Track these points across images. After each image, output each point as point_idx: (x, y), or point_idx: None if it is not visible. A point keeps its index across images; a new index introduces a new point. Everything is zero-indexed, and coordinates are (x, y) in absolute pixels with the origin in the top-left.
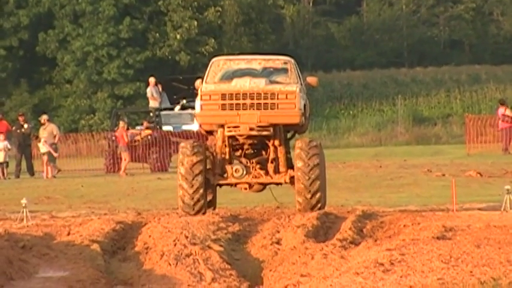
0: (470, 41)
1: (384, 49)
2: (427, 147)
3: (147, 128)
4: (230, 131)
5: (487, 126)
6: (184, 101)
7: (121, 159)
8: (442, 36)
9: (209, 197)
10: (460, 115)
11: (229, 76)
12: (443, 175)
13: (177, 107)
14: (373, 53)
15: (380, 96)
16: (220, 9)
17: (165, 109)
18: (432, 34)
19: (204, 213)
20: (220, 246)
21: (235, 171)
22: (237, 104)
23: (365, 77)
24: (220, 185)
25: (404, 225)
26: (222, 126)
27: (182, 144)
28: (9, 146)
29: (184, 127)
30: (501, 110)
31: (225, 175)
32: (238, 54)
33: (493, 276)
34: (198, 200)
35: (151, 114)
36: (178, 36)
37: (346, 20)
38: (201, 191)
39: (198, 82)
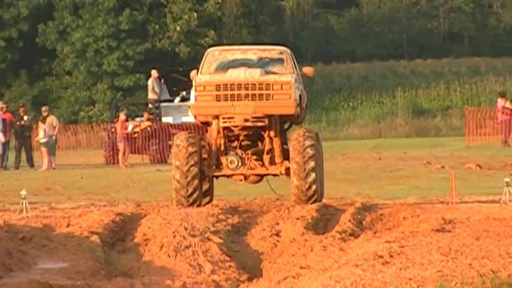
0: (470, 33)
1: (383, 41)
2: (427, 140)
3: (147, 119)
4: (225, 122)
5: (486, 118)
6: (184, 93)
7: (119, 150)
8: (441, 28)
9: (206, 189)
10: (460, 107)
11: (224, 67)
12: (443, 167)
13: (177, 99)
14: (373, 45)
15: (379, 88)
16: (220, 0)
17: (164, 101)
18: (432, 26)
19: (199, 205)
20: (220, 238)
21: (230, 162)
22: (231, 95)
23: (364, 69)
24: (216, 177)
25: (403, 218)
26: (217, 117)
27: (177, 136)
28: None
29: (184, 119)
30: (501, 102)
31: (221, 166)
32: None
33: (492, 268)
34: (193, 192)
35: (150, 105)
36: (178, 28)
37: (345, 12)
38: (196, 182)
39: (193, 73)
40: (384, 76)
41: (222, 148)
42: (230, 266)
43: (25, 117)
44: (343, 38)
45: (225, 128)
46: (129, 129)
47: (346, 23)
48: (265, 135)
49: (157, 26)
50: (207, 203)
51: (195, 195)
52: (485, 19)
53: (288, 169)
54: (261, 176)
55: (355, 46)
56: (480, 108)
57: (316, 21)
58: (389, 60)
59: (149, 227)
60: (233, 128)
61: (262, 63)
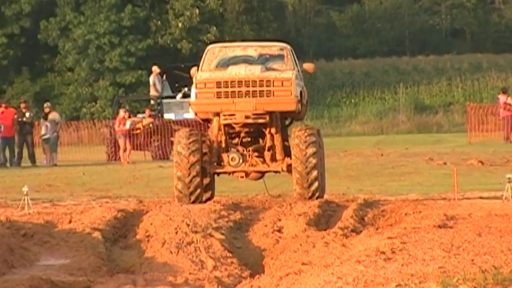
0: (472, 30)
1: (385, 37)
2: (429, 136)
3: (149, 116)
4: (226, 119)
5: (488, 114)
6: (186, 89)
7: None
8: (443, 24)
9: (207, 186)
10: (462, 104)
11: (224, 63)
12: (445, 163)
13: (179, 95)
14: (375, 42)
15: (382, 84)
16: None
17: (166, 97)
18: (434, 22)
19: (200, 202)
20: (222, 234)
21: (232, 159)
22: (232, 92)
23: (367, 65)
24: (217, 174)
25: (405, 214)
26: (218, 114)
27: (177, 139)
28: None
29: (186, 115)
30: (503, 99)
31: (222, 163)
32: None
33: (494, 264)
34: (194, 189)
35: (152, 102)
36: (180, 24)
37: (347, 8)
38: (197, 180)
39: (193, 70)
40: (385, 72)
41: (223, 145)
42: (232, 262)
43: (27, 114)
44: (345, 34)
45: (226, 125)
46: (127, 126)
47: (348, 19)
48: (266, 132)
49: (159, 22)
50: (209, 199)
51: (197, 202)
52: (487, 15)
53: (289, 166)
54: (262, 173)
55: (357, 42)
56: (482, 105)
57: (318, 18)
58: (391, 57)
59: (151, 224)
60: (234, 125)
61: (263, 60)
